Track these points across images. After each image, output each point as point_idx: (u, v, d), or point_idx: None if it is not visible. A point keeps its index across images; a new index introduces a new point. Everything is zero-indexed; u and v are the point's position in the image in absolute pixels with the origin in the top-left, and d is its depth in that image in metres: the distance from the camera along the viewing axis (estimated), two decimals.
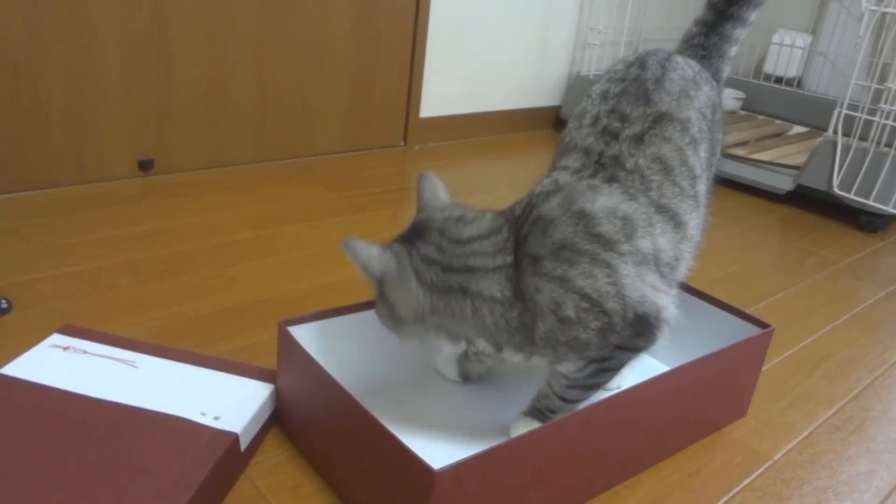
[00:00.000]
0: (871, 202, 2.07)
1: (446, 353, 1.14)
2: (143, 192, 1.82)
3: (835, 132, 2.14)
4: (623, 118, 0.95)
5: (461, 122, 2.56)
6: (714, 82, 1.09)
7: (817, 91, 2.98)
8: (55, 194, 1.73)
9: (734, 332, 1.14)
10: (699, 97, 1.01)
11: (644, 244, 0.88)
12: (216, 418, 0.94)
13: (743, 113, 2.98)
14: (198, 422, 0.93)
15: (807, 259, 1.90)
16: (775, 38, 3.02)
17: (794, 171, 2.28)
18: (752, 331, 1.13)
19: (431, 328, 0.91)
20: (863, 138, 2.11)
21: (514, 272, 0.87)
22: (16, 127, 1.66)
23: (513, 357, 0.92)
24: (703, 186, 1.00)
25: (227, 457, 0.89)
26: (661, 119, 0.95)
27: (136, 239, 1.56)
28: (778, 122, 2.91)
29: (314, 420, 0.95)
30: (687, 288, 1.24)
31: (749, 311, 1.17)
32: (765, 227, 2.12)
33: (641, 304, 0.88)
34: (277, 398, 1.02)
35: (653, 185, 0.91)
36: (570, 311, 0.85)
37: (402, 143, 2.45)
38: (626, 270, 0.86)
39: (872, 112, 2.08)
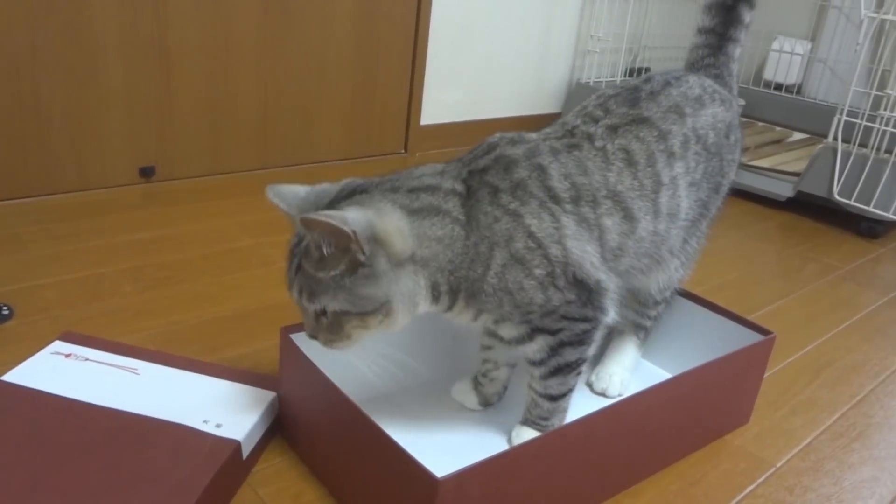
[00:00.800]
0: (871, 209, 2.07)
1: (462, 383, 1.13)
2: (144, 199, 1.82)
3: (835, 139, 2.14)
4: (607, 111, 1.01)
5: (462, 130, 2.56)
6: (731, 103, 1.12)
7: (817, 98, 2.98)
8: (56, 201, 1.73)
9: (735, 338, 1.14)
10: (698, 117, 1.03)
11: (587, 212, 0.92)
12: (218, 426, 0.94)
13: (743, 120, 2.98)
14: (200, 429, 0.93)
15: (807, 266, 1.90)
16: (774, 45, 3.03)
17: (794, 178, 2.28)
18: (753, 338, 1.13)
19: (424, 264, 0.86)
20: (863, 145, 2.11)
21: (464, 201, 0.89)
22: (18, 133, 1.66)
23: (460, 315, 0.92)
24: (673, 201, 1.00)
25: (228, 464, 0.89)
26: (640, 121, 1.00)
27: (138, 246, 1.56)
28: (778, 128, 2.91)
29: (317, 427, 0.95)
30: (688, 295, 1.24)
31: (750, 317, 1.17)
32: (765, 233, 2.12)
33: (580, 266, 0.90)
34: (280, 406, 1.02)
35: (613, 168, 0.95)
36: (520, 246, 0.88)
37: (403, 151, 2.45)
38: (569, 224, 0.90)
39: (872, 118, 2.09)
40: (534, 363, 0.97)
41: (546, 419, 1.00)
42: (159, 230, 1.65)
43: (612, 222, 0.94)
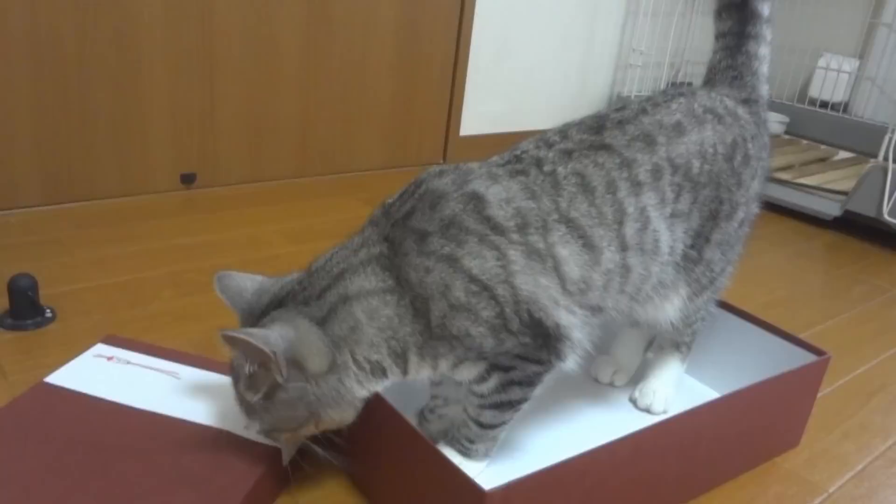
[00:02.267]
0: None
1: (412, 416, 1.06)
2: (185, 206, 1.83)
3: (885, 158, 2.09)
4: (564, 137, 0.94)
5: (502, 141, 2.53)
6: (735, 120, 1.03)
7: (864, 116, 2.92)
8: (99, 206, 1.75)
9: (784, 358, 1.10)
10: (675, 145, 0.95)
11: (536, 241, 0.84)
12: (259, 432, 0.92)
13: (787, 137, 2.94)
14: (240, 435, 0.92)
15: (855, 286, 1.85)
16: (821, 63, 2.97)
17: (841, 197, 2.23)
18: (803, 357, 1.10)
19: (345, 367, 0.83)
20: None
21: (389, 261, 0.83)
22: (64, 140, 1.68)
23: (419, 370, 0.86)
24: (646, 234, 0.92)
25: (269, 471, 0.88)
26: (600, 148, 0.92)
27: (179, 251, 1.56)
28: (823, 147, 2.85)
29: (357, 435, 0.93)
30: (736, 311, 1.21)
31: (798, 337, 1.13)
32: (811, 252, 2.07)
33: (534, 303, 0.83)
34: None
35: (564, 194, 0.88)
36: (460, 294, 0.81)
37: (442, 161, 2.44)
38: (516, 258, 0.83)
39: None
40: (476, 394, 0.90)
41: (472, 442, 0.94)
42: (200, 236, 1.65)
43: (568, 252, 0.86)
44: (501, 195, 0.85)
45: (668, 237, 0.95)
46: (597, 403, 1.17)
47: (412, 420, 1.01)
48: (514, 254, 0.83)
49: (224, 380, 1.03)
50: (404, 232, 0.83)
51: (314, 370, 0.81)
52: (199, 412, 0.95)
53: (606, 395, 1.20)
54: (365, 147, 2.23)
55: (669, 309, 1.03)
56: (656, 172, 0.93)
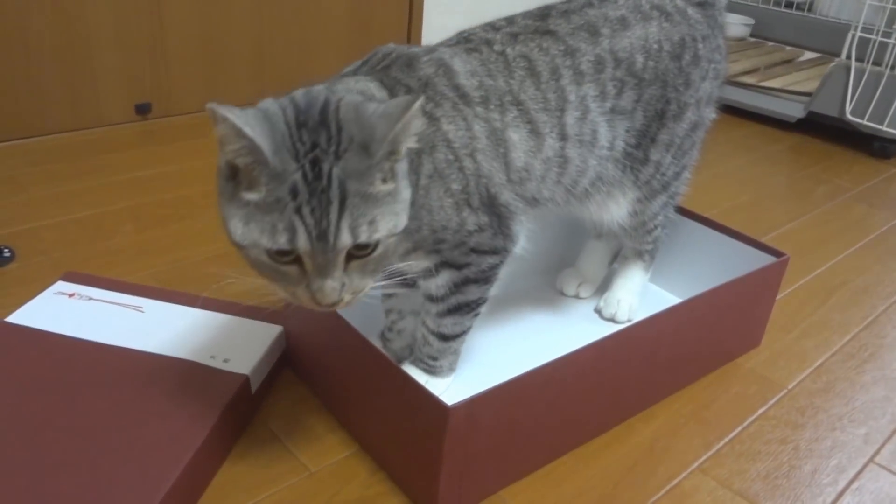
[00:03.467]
0: (884, 128, 2.02)
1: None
2: (141, 137, 1.78)
3: (848, 57, 2.07)
4: (510, 22, 0.94)
5: None
6: (684, 18, 1.01)
7: (829, 15, 2.89)
8: (52, 141, 1.70)
9: (747, 261, 1.12)
10: (619, 38, 0.95)
11: (495, 119, 0.85)
12: (225, 361, 0.93)
13: (752, 40, 2.90)
14: (207, 364, 0.92)
15: (819, 187, 1.87)
16: None
17: (805, 98, 2.22)
18: (765, 260, 1.11)
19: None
20: (877, 63, 2.05)
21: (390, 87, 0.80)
22: (7, 73, 1.62)
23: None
24: (585, 125, 0.92)
25: (238, 399, 0.88)
26: (545, 33, 0.92)
27: (138, 184, 1.53)
28: (788, 48, 2.83)
29: (324, 360, 0.94)
30: (698, 217, 1.22)
31: (762, 240, 1.15)
32: (776, 155, 2.08)
33: (490, 179, 0.84)
34: (287, 339, 1.01)
35: (515, 75, 0.88)
36: (440, 157, 0.81)
37: None
38: (479, 134, 0.84)
39: (887, 34, 2.02)
40: (433, 299, 0.90)
41: (435, 359, 0.95)
42: (158, 168, 1.62)
43: (518, 136, 0.87)
44: (466, 67, 0.86)
45: (608, 132, 0.95)
46: (563, 316, 1.19)
47: (376, 343, 1.02)
48: (478, 129, 0.84)
49: (188, 311, 1.03)
50: (391, 81, 0.81)
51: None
52: (164, 345, 0.95)
53: (572, 308, 1.22)
54: (324, 67, 2.17)
55: (614, 209, 1.04)
56: (598, 64, 0.93)
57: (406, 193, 0.71)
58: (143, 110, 1.84)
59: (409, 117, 0.66)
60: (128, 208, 1.43)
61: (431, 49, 0.87)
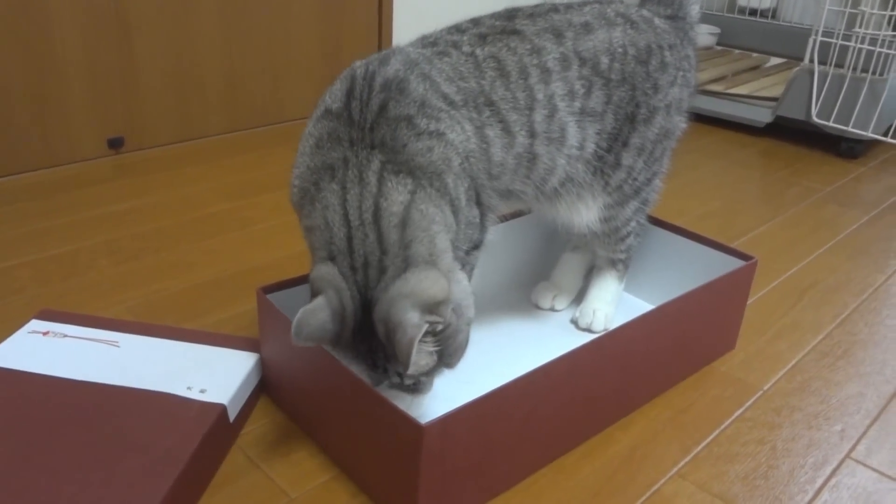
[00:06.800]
0: (850, 129, 2.06)
1: None
2: (115, 171, 1.78)
3: (811, 60, 2.11)
4: (476, 23, 0.96)
5: None
6: (650, 27, 1.05)
7: (792, 21, 2.94)
8: (25, 179, 1.70)
9: (719, 266, 1.14)
10: (582, 41, 0.98)
11: (475, 118, 0.88)
12: (202, 391, 0.93)
13: (719, 48, 2.95)
14: (184, 396, 0.92)
15: (789, 190, 1.89)
16: None
17: (772, 103, 2.26)
18: (736, 264, 1.13)
19: (452, 273, 0.81)
20: (839, 65, 2.09)
21: (394, 164, 0.79)
22: None
23: None
24: (553, 123, 0.95)
25: (216, 429, 0.88)
26: (512, 33, 0.94)
27: (112, 218, 1.53)
28: (755, 55, 2.87)
29: (301, 385, 0.94)
30: (669, 225, 1.23)
31: (734, 244, 1.17)
32: (746, 160, 2.11)
33: (477, 178, 0.88)
34: (263, 366, 1.01)
35: (486, 76, 0.90)
36: (456, 165, 0.83)
37: None
38: (471, 132, 0.86)
39: (847, 37, 2.06)
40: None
41: None
42: (132, 201, 1.62)
43: (493, 134, 0.89)
44: (443, 74, 0.87)
45: (577, 132, 0.98)
46: (539, 328, 1.20)
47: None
48: (469, 128, 0.86)
49: (164, 343, 1.03)
50: (390, 126, 0.80)
51: (447, 295, 0.77)
52: (139, 378, 0.95)
53: (548, 320, 1.22)
54: (295, 97, 2.19)
55: (584, 212, 1.07)
56: (564, 62, 0.96)
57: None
58: (115, 144, 1.85)
59: (415, 351, 0.73)
60: (102, 243, 1.43)
61: (408, 61, 0.86)
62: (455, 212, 0.84)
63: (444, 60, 0.89)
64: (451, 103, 0.85)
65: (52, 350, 1.01)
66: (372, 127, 0.81)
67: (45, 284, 1.28)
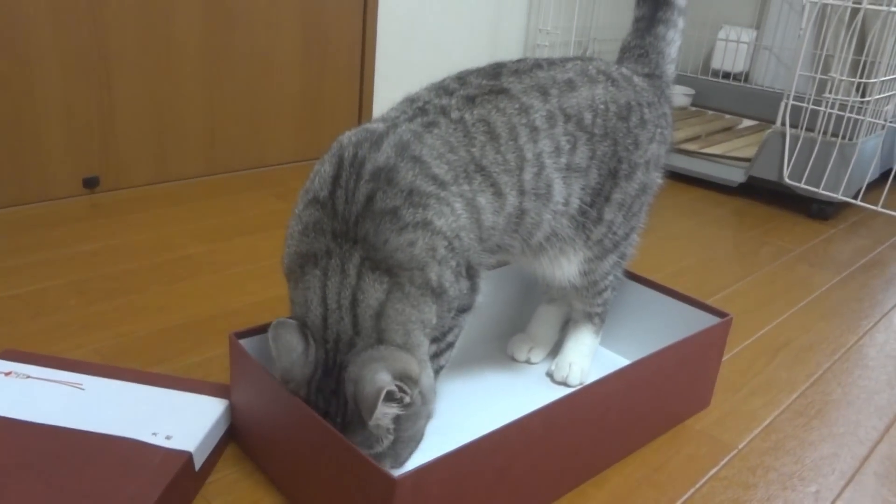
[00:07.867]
0: (821, 191, 2.10)
1: None
2: (89, 211, 1.76)
3: (783, 123, 2.17)
4: (463, 83, 0.96)
5: None
6: (629, 85, 1.08)
7: (764, 84, 3.02)
8: None
9: (693, 323, 1.14)
10: (567, 98, 0.99)
11: (466, 191, 0.88)
12: (168, 437, 0.90)
13: (693, 109, 3.02)
14: (149, 442, 0.89)
15: (762, 249, 1.92)
16: (721, 35, 3.06)
17: (745, 164, 2.31)
18: (711, 321, 1.13)
19: (423, 364, 0.87)
20: (810, 129, 2.14)
21: (373, 261, 0.81)
22: None
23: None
24: (540, 180, 0.96)
25: (180, 477, 0.86)
26: (499, 92, 0.95)
27: (83, 258, 1.51)
28: (728, 116, 2.95)
29: (270, 434, 0.92)
30: (645, 281, 1.24)
31: (708, 302, 1.17)
32: (720, 219, 2.14)
33: (470, 249, 0.89)
34: (232, 413, 0.99)
35: (476, 142, 0.90)
36: (441, 251, 0.84)
37: None
38: (461, 209, 0.87)
39: (818, 102, 2.12)
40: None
41: None
42: (105, 241, 1.60)
43: (485, 200, 0.90)
44: (433, 152, 0.87)
45: (563, 188, 0.99)
46: (515, 381, 1.19)
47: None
48: (458, 206, 0.86)
49: (130, 386, 1.00)
50: (374, 221, 0.81)
51: (417, 375, 0.83)
52: (103, 422, 0.92)
53: (524, 373, 1.21)
54: (275, 140, 2.19)
55: (566, 265, 1.07)
56: (551, 119, 0.97)
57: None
58: (90, 184, 1.83)
59: (381, 402, 0.77)
60: (72, 283, 1.40)
61: (399, 144, 0.85)
62: (438, 300, 0.85)
63: (433, 134, 0.88)
64: (441, 184, 0.85)
65: (14, 391, 0.98)
66: (357, 221, 0.82)
67: (10, 324, 1.25)
